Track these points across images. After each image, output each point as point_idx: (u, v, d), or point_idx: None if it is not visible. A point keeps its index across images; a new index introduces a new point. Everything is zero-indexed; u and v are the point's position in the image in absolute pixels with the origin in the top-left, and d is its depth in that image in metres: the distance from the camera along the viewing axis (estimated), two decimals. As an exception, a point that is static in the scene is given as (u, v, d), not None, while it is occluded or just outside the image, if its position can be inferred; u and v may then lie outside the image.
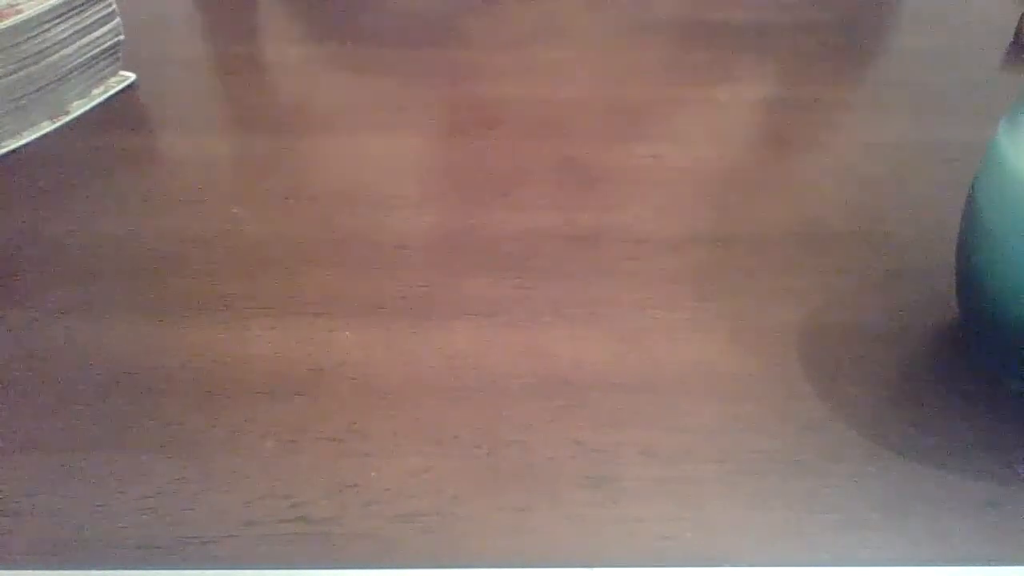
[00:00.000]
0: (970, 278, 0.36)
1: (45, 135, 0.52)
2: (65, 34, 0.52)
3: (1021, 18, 0.65)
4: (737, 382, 0.36)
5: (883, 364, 0.37)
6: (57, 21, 0.51)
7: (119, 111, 0.55)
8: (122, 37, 0.57)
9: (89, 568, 0.29)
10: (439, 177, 0.50)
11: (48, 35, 0.51)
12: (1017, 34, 0.65)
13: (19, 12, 0.49)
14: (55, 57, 0.52)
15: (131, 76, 0.58)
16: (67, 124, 0.53)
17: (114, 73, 0.58)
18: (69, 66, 0.53)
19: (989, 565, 0.30)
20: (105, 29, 0.56)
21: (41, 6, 0.50)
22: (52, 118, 0.53)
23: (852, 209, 0.47)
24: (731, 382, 0.36)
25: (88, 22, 0.54)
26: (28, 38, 0.50)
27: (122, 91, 0.57)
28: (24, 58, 0.50)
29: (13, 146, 0.51)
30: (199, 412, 0.34)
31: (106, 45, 0.56)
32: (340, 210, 0.46)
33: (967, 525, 0.31)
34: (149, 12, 0.67)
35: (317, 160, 0.51)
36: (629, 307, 0.40)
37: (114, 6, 0.56)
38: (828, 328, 0.39)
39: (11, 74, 0.50)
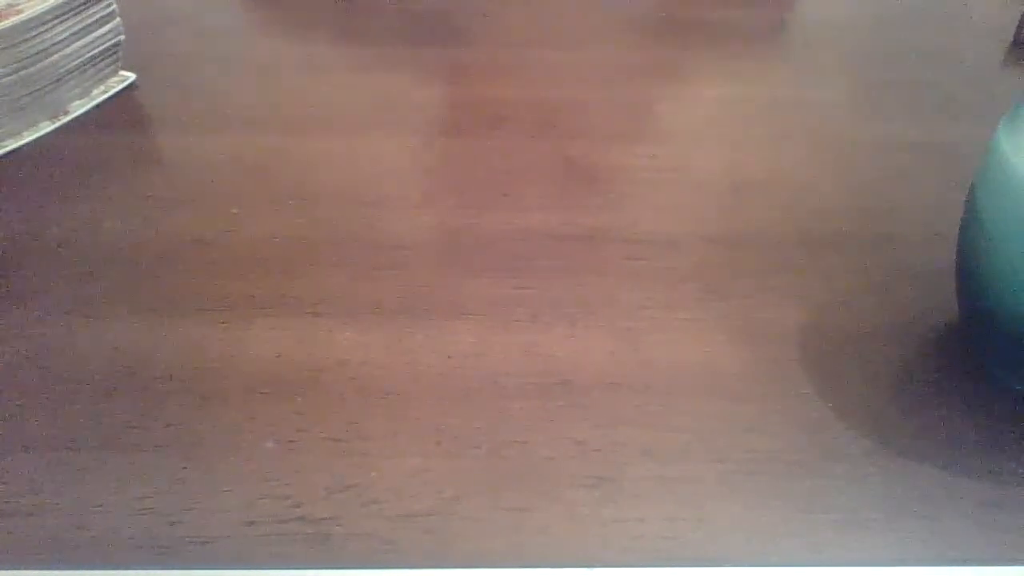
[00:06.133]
0: (970, 278, 0.36)
1: (45, 135, 0.52)
2: (65, 34, 0.52)
3: (1021, 18, 0.65)
4: (737, 382, 0.36)
5: (883, 364, 0.37)
6: (57, 21, 0.51)
7: (119, 111, 0.55)
8: (122, 37, 0.57)
9: (89, 568, 0.29)
10: (439, 177, 0.50)
11: (48, 35, 0.51)
12: (1017, 34, 0.65)
13: (19, 12, 0.49)
14: (55, 57, 0.52)
15: (131, 76, 0.58)
16: (67, 124, 0.54)
17: (114, 73, 0.58)
18: (69, 66, 0.53)
19: (989, 565, 0.30)
20: (105, 29, 0.56)
21: (41, 6, 0.50)
22: (52, 118, 0.53)
23: (852, 209, 0.47)
24: (731, 382, 0.36)
25: (88, 22, 0.54)
26: (28, 38, 0.50)
27: (122, 91, 0.57)
28: (24, 58, 0.50)
29: (13, 146, 0.51)
30: (199, 412, 0.34)
31: (106, 45, 0.56)
32: (340, 210, 0.46)
33: (967, 525, 0.31)
34: (149, 12, 0.67)
35: (317, 160, 0.51)
36: (629, 307, 0.40)
37: (114, 6, 0.56)
38: (828, 328, 0.39)
39: (11, 74, 0.50)
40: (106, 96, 0.56)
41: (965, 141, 0.52)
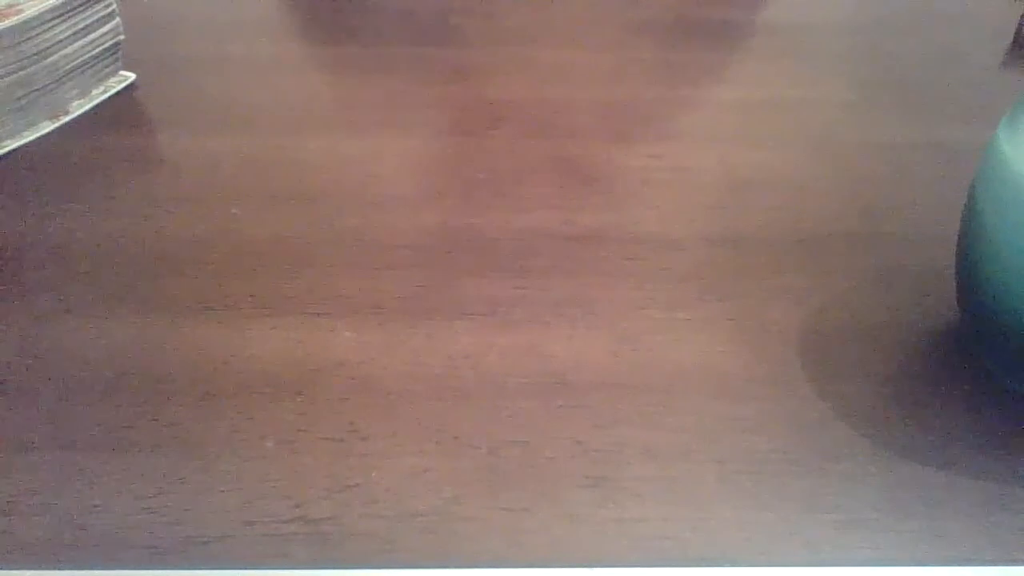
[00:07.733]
0: (970, 278, 0.36)
1: (45, 135, 0.52)
2: (65, 34, 0.52)
3: (1021, 18, 0.65)
4: (737, 382, 0.36)
5: (883, 364, 0.37)
6: (57, 21, 0.51)
7: (119, 111, 0.55)
8: (122, 37, 0.57)
9: (89, 568, 0.29)
10: (439, 177, 0.50)
11: (48, 35, 0.51)
12: (1017, 34, 0.65)
13: (19, 12, 0.49)
14: (55, 57, 0.52)
15: (131, 76, 0.58)
16: (67, 124, 0.54)
17: (114, 73, 0.58)
18: (69, 66, 0.53)
19: (989, 565, 0.30)
20: (105, 29, 0.56)
21: (41, 6, 0.50)
22: (52, 118, 0.53)
23: (852, 209, 0.47)
24: (731, 382, 0.36)
25: (88, 22, 0.54)
26: (28, 38, 0.50)
27: (122, 91, 0.57)
28: (24, 58, 0.50)
29: (13, 146, 0.51)
30: (199, 412, 0.34)
31: (106, 45, 0.56)
32: (340, 210, 0.46)
33: (967, 525, 0.31)
34: (149, 12, 0.67)
35: (317, 160, 0.51)
36: (629, 307, 0.40)
37: (114, 6, 0.56)
38: (828, 328, 0.39)
39: (11, 74, 0.50)
40: (106, 96, 0.56)
41: (965, 141, 0.52)
